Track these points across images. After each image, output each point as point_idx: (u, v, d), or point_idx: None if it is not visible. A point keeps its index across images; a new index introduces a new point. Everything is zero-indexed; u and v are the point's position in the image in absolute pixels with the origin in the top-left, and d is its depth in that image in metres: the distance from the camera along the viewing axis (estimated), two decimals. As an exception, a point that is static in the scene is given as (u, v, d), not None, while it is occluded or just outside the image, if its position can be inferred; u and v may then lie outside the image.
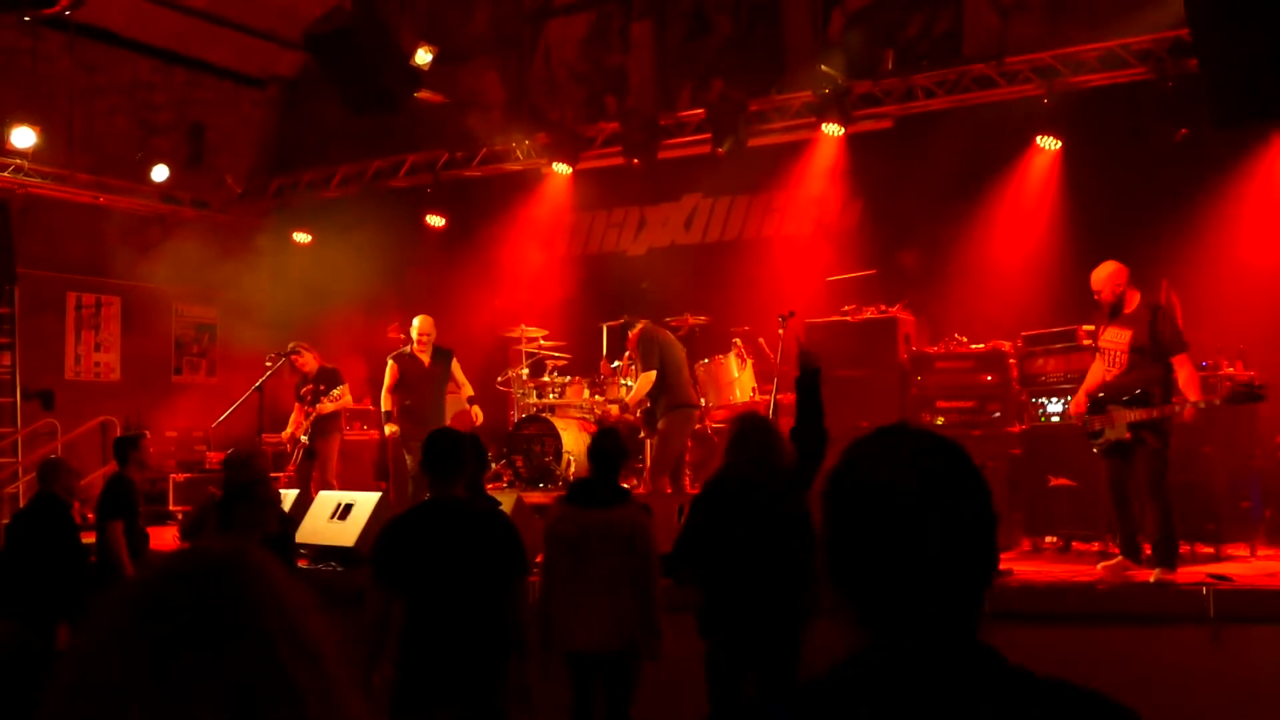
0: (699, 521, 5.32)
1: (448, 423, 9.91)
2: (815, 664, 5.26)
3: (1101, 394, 7.41)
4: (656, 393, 9.67)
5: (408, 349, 10.35)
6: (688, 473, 10.35)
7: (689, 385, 9.87)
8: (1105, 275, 7.45)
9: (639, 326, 9.81)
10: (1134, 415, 7.15)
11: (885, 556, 1.43)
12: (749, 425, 5.48)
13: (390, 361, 10.29)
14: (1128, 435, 7.18)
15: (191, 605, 1.20)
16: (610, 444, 5.63)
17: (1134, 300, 7.38)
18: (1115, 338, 7.38)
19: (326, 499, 9.45)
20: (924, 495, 1.44)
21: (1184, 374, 7.13)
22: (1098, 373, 7.55)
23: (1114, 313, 7.40)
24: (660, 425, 9.66)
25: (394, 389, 10.24)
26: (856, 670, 1.42)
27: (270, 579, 1.26)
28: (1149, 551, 7.19)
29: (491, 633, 4.75)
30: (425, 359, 10.24)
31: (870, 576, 1.45)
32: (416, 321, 10.33)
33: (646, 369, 9.61)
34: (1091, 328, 7.94)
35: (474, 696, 4.67)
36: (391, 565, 4.73)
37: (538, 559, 6.66)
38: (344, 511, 9.12)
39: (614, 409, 10.40)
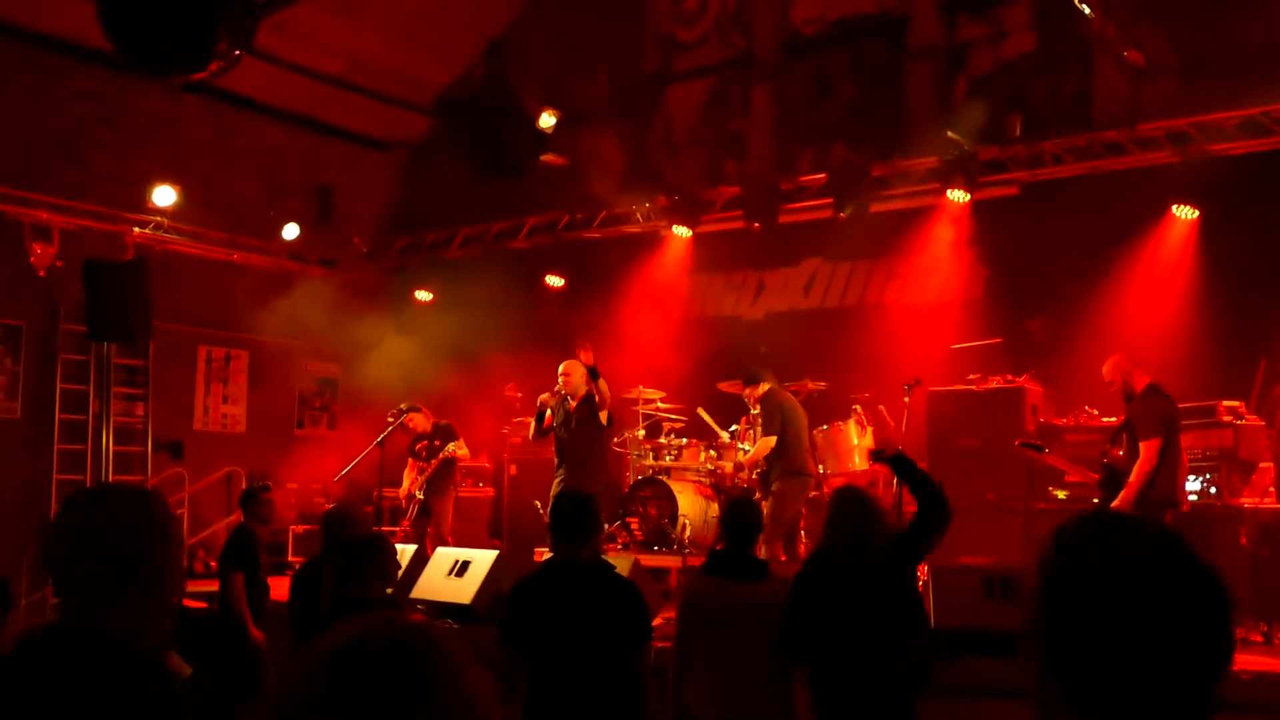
0: (800, 605, 5.14)
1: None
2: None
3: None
4: (774, 457, 9.54)
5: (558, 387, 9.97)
6: (804, 540, 10.19)
7: (807, 453, 9.72)
8: (1106, 366, 8.08)
9: (765, 387, 9.67)
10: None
11: (1128, 650, 1.39)
12: (848, 500, 5.30)
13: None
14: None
15: (386, 682, 1.18)
16: (747, 514, 5.51)
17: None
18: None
19: (444, 555, 9.49)
20: (1170, 588, 1.40)
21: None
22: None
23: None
24: (775, 488, 9.51)
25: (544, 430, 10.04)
26: None
27: (459, 661, 1.23)
28: None
29: (615, 699, 4.69)
30: (571, 403, 9.90)
31: (1109, 670, 1.39)
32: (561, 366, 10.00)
33: (768, 433, 9.50)
34: (1233, 403, 7.77)
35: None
36: (519, 627, 4.71)
37: (655, 622, 6.60)
38: (461, 569, 9.14)
39: (728, 466, 10.28)
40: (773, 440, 9.43)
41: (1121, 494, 7.46)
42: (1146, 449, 7.49)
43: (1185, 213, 9.92)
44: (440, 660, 1.22)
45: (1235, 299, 9.40)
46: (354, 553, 5.40)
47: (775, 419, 9.48)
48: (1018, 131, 10.93)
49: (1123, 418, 9.19)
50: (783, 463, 9.47)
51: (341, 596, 5.07)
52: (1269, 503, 8.40)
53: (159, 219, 12.74)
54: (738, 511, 5.53)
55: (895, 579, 5.07)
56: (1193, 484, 8.48)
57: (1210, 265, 9.84)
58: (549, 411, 9.89)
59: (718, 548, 5.92)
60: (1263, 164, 9.58)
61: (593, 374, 9.78)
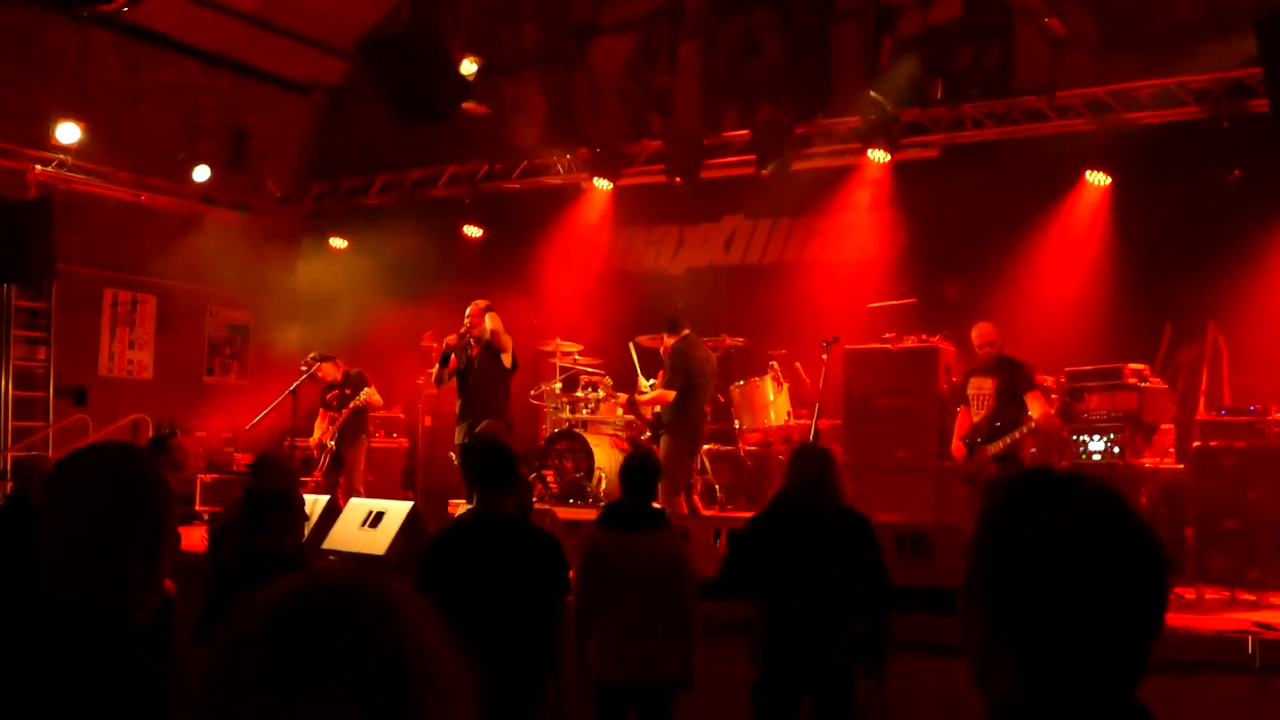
0: (757, 546, 5.26)
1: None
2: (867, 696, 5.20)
3: (970, 438, 8.42)
4: (670, 410, 9.39)
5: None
6: (720, 495, 10.26)
7: (703, 416, 9.61)
8: (987, 330, 8.63)
9: (678, 338, 9.52)
10: (995, 449, 8.22)
11: (1074, 609, 1.40)
12: (805, 454, 5.47)
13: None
14: (993, 468, 8.12)
15: (332, 627, 1.14)
16: (645, 463, 5.51)
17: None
18: (982, 385, 8.50)
19: (358, 506, 9.40)
20: (1115, 549, 1.42)
21: (1036, 404, 8.25)
22: (965, 420, 8.60)
23: (986, 363, 8.53)
24: (663, 441, 9.38)
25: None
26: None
27: (413, 611, 1.20)
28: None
29: (531, 653, 4.69)
30: (474, 347, 9.69)
31: (1048, 625, 1.41)
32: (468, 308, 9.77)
33: (670, 386, 9.37)
34: (1139, 366, 8.00)
35: (511, 716, 4.60)
36: (435, 578, 4.67)
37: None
38: (375, 520, 9.07)
39: (622, 397, 10.20)
40: (670, 395, 9.33)
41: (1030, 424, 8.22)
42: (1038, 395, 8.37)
43: (1098, 179, 10.12)
44: (390, 607, 1.19)
45: (1143, 265, 9.63)
46: (260, 505, 5.30)
47: (679, 375, 9.34)
48: (939, 94, 11.04)
49: (1041, 379, 9.47)
50: (676, 419, 9.37)
51: (248, 549, 4.97)
52: (1169, 463, 8.66)
53: (63, 157, 12.32)
54: (635, 462, 5.54)
55: (851, 537, 5.22)
56: (1097, 444, 8.69)
57: (1121, 231, 10.07)
58: (453, 355, 9.70)
59: (613, 501, 5.94)
60: (1174, 134, 9.81)
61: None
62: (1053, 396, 8.92)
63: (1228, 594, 7.67)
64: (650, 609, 5.19)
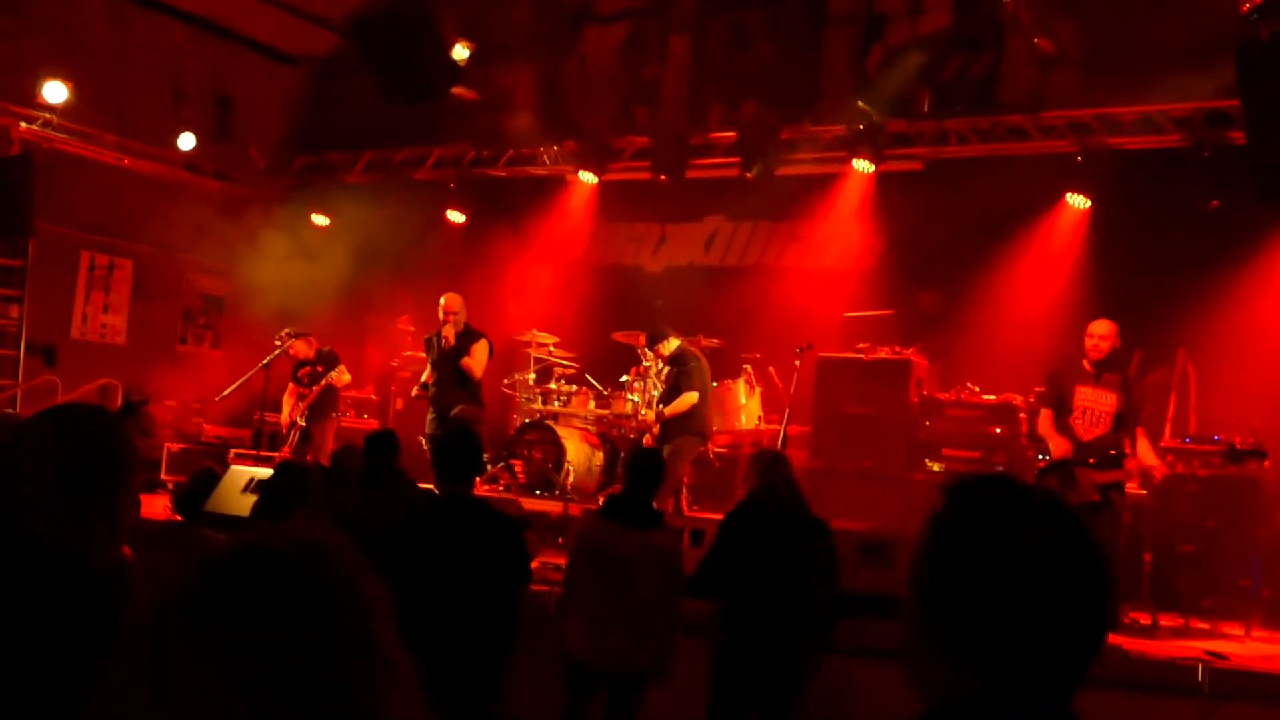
0: (730, 545, 5.33)
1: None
2: (817, 701, 5.27)
3: (1065, 457, 7.41)
4: (684, 413, 9.49)
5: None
6: (686, 495, 10.30)
7: (709, 415, 9.70)
8: (1113, 330, 7.53)
9: (674, 343, 9.57)
10: (1108, 477, 7.23)
11: (1015, 616, 1.42)
12: (774, 457, 5.65)
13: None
14: (1095, 497, 7.18)
15: (265, 584, 1.17)
16: (651, 463, 5.62)
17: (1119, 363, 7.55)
18: (1100, 400, 7.47)
19: (239, 473, 9.26)
20: (1062, 560, 1.44)
21: (1144, 444, 7.36)
22: (1062, 434, 7.56)
23: (1099, 371, 7.48)
24: (675, 444, 9.43)
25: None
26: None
27: (350, 574, 1.22)
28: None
29: (488, 636, 4.73)
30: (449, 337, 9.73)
31: (993, 634, 1.43)
32: (443, 299, 9.83)
33: (690, 388, 9.37)
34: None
35: (469, 701, 4.64)
36: (397, 563, 4.68)
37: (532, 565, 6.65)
38: (256, 486, 8.96)
39: (650, 415, 10.01)
40: (694, 397, 9.35)
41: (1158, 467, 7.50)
42: (1144, 433, 7.56)
43: (1078, 201, 10.20)
44: (327, 568, 1.21)
45: (1117, 289, 9.69)
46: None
47: (697, 376, 9.42)
48: (925, 107, 11.08)
49: (1010, 397, 9.49)
50: (689, 420, 9.43)
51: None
52: (1131, 488, 8.72)
53: (48, 115, 12.22)
54: (642, 459, 5.67)
55: (813, 542, 5.34)
56: (1062, 465, 8.74)
57: (1096, 254, 10.15)
58: (432, 368, 9.81)
59: (614, 492, 6.03)
60: (1154, 160, 9.90)
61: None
62: None
63: (1182, 621, 7.75)
64: (635, 602, 5.28)
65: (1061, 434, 7.58)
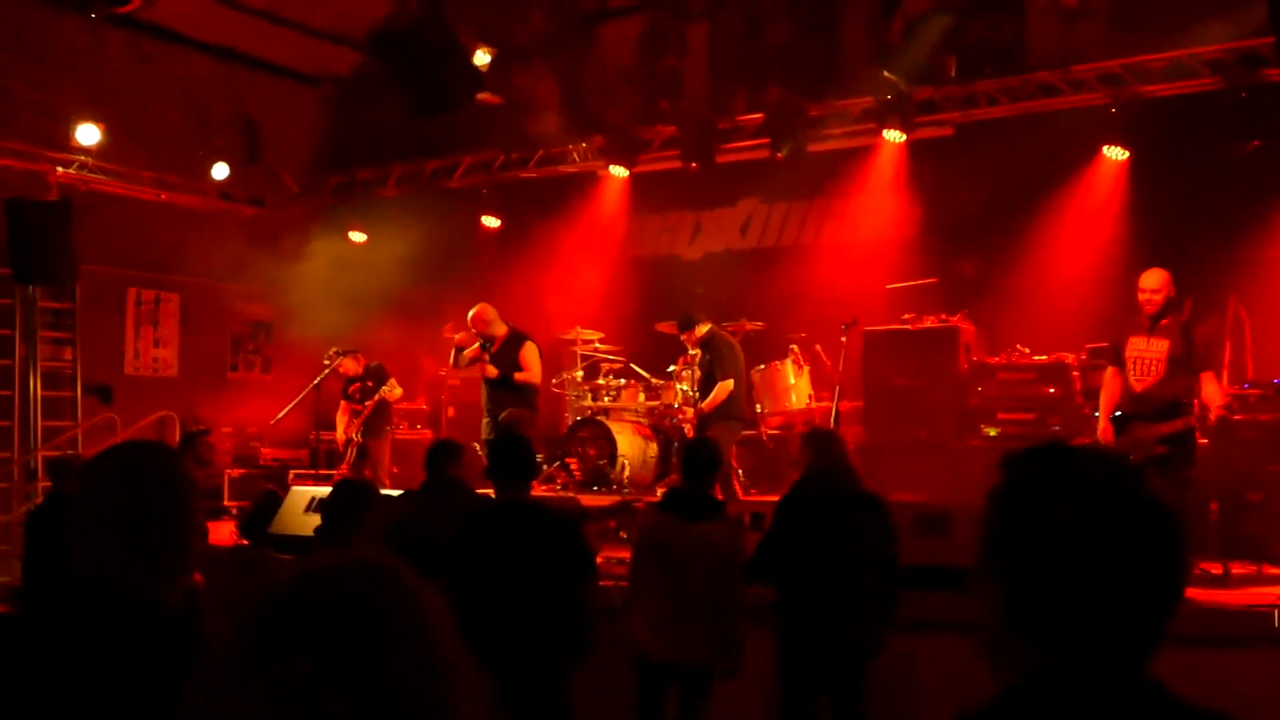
0: (785, 528, 5.34)
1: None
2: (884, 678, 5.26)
3: (1119, 412, 7.23)
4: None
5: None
6: (739, 480, 10.29)
7: (743, 398, 9.73)
8: (1164, 280, 7.24)
9: (705, 328, 9.63)
10: (1167, 428, 6.97)
11: (1082, 584, 1.41)
12: (826, 436, 5.66)
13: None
14: (1160, 450, 6.97)
15: (327, 613, 1.19)
16: (707, 454, 5.63)
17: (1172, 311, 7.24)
18: (1151, 348, 7.20)
19: (300, 494, 9.38)
20: (1132, 525, 1.42)
21: (1210, 387, 7.00)
22: (1115, 389, 7.36)
23: (1154, 322, 7.22)
24: (713, 430, 9.50)
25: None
26: (1037, 698, 1.40)
27: (412, 599, 1.24)
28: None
29: (561, 634, 4.77)
30: (493, 345, 9.86)
31: (1062, 604, 1.42)
32: (470, 313, 9.97)
33: (726, 375, 9.44)
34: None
35: (538, 699, 4.67)
36: (459, 570, 4.72)
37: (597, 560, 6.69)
38: (317, 506, 9.06)
39: (689, 411, 10.05)
40: (730, 383, 9.40)
41: (1220, 409, 6.98)
42: (1214, 376, 7.18)
43: (1116, 154, 10.07)
44: (390, 595, 1.23)
45: (1162, 239, 9.56)
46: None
47: (729, 362, 9.47)
48: (952, 72, 10.98)
49: (1061, 356, 9.35)
50: (724, 405, 9.48)
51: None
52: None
53: (83, 158, 12.41)
54: (697, 451, 5.70)
55: (868, 518, 5.33)
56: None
57: (1138, 205, 10.02)
58: (466, 350, 9.87)
59: (672, 484, 6.06)
60: (1190, 106, 9.74)
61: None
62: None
63: (1254, 568, 7.65)
64: (699, 594, 5.29)
65: (1115, 390, 7.39)
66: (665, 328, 10.91)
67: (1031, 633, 1.44)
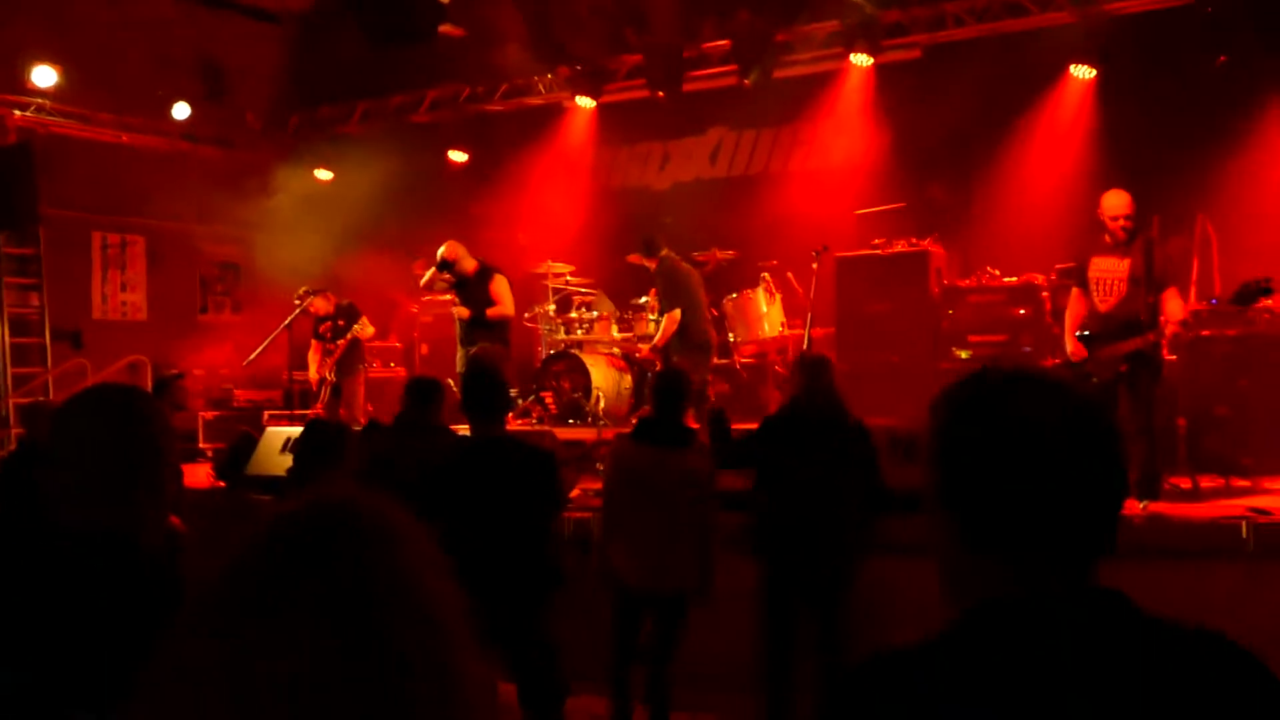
0: (767, 436, 5.46)
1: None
2: (863, 600, 5.34)
3: (1084, 332, 7.27)
4: (676, 330, 9.51)
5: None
6: (712, 402, 10.30)
7: (707, 323, 9.68)
8: (1128, 202, 7.21)
9: (658, 258, 9.54)
10: (1128, 346, 7.01)
11: (1048, 492, 1.43)
12: (817, 361, 5.71)
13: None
14: (1124, 368, 7.02)
15: (307, 554, 1.19)
16: (675, 383, 5.65)
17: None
18: (1114, 268, 7.20)
19: (275, 435, 9.37)
20: (1084, 432, 1.46)
21: (1173, 304, 7.03)
22: (1080, 309, 7.39)
23: (1119, 242, 7.19)
24: (675, 361, 9.47)
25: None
26: (1003, 614, 1.42)
27: (394, 537, 1.24)
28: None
29: (536, 566, 4.82)
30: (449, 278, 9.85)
31: (1027, 513, 1.44)
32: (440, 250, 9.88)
33: (670, 307, 9.46)
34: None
35: (516, 632, 4.73)
36: (434, 505, 4.75)
37: (573, 494, 6.74)
38: (292, 445, 9.06)
39: (644, 347, 10.23)
40: (678, 314, 9.39)
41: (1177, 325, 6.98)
42: (1178, 293, 7.16)
43: (1083, 72, 10.04)
44: (368, 533, 1.23)
45: (1130, 157, 9.55)
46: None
47: (674, 293, 9.43)
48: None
49: (1031, 277, 9.40)
50: (683, 335, 9.45)
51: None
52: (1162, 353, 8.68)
53: (40, 100, 12.20)
54: (668, 381, 5.71)
55: (854, 445, 5.42)
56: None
57: (1106, 124, 10.02)
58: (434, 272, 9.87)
59: (644, 415, 6.10)
60: (1157, 21, 9.70)
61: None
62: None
63: (1223, 481, 7.76)
64: (671, 522, 5.34)
65: (1079, 311, 7.41)
66: (636, 259, 10.86)
67: (984, 545, 1.46)
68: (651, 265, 9.57)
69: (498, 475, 4.79)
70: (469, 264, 9.75)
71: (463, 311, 9.70)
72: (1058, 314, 9.04)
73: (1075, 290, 7.51)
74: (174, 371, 8.62)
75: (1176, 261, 7.62)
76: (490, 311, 9.59)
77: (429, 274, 10.01)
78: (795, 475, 5.34)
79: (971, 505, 1.47)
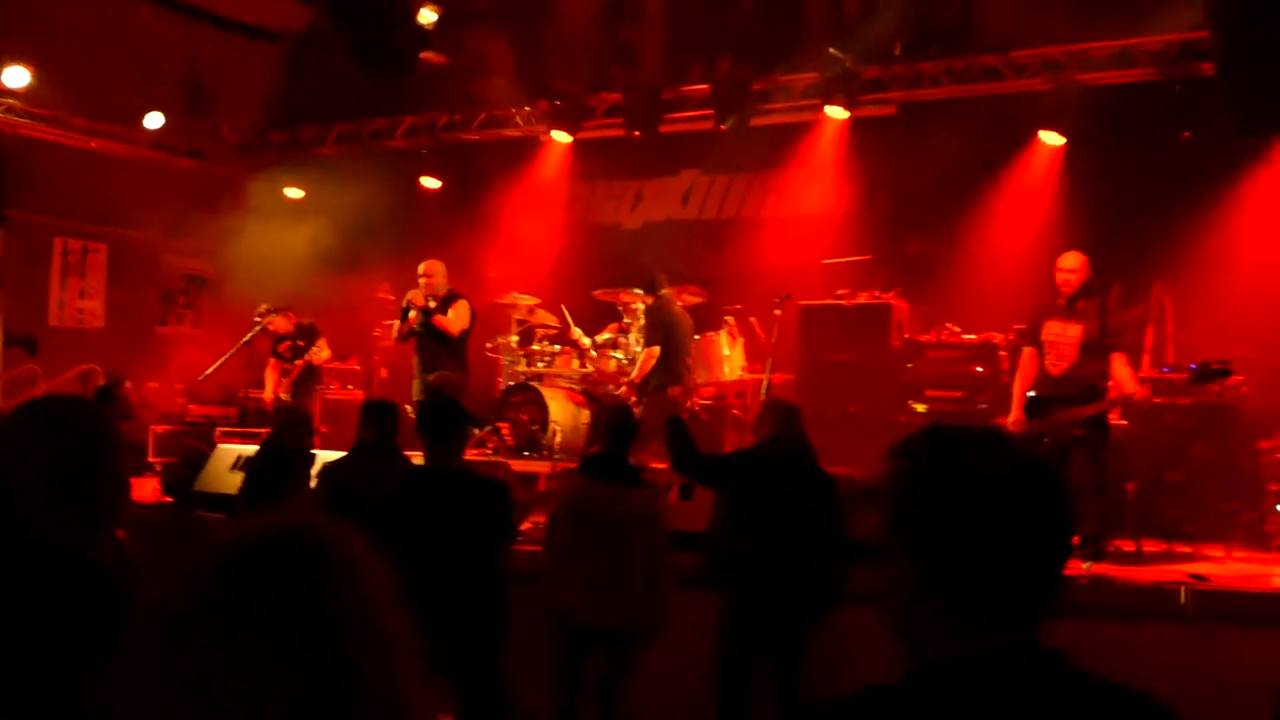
0: (729, 466, 5.51)
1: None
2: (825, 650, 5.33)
3: (1034, 393, 7.32)
4: (655, 367, 9.55)
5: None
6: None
7: (684, 367, 9.70)
8: (1082, 262, 7.35)
9: (655, 295, 9.63)
10: (1085, 412, 7.07)
11: (997, 546, 1.47)
12: (787, 408, 5.75)
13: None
14: (1079, 432, 7.09)
15: (268, 577, 1.19)
16: (627, 421, 5.65)
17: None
18: (1066, 332, 7.29)
19: (227, 451, 9.29)
20: (1034, 490, 1.49)
21: (1122, 370, 7.16)
22: (1030, 370, 7.45)
23: (1071, 304, 7.30)
24: (650, 399, 9.54)
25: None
26: (949, 674, 1.45)
27: (353, 565, 1.25)
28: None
29: (486, 598, 4.79)
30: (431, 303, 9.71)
31: (976, 567, 1.47)
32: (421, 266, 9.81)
33: (650, 343, 9.49)
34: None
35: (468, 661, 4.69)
36: (388, 534, 4.72)
37: (524, 527, 6.71)
38: (243, 464, 8.99)
39: (624, 389, 10.05)
40: (656, 351, 9.43)
41: (1140, 393, 7.19)
42: (1126, 358, 7.35)
43: (1052, 139, 10.20)
44: (325, 558, 1.23)
45: (1093, 225, 9.69)
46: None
47: (658, 331, 9.48)
48: (898, 51, 11.03)
49: (990, 336, 9.50)
50: (661, 374, 9.50)
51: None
52: (1114, 419, 8.78)
53: (11, 101, 12.10)
54: (618, 418, 5.68)
55: (820, 492, 5.42)
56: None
57: (1072, 191, 10.17)
58: (413, 311, 9.72)
59: (593, 451, 6.07)
60: (1127, 95, 9.88)
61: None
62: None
63: (1165, 547, 7.84)
64: (622, 559, 5.31)
65: (1030, 372, 7.48)
66: (603, 295, 10.90)
67: (934, 596, 1.50)
68: (647, 301, 9.63)
69: (451, 506, 4.77)
70: (442, 283, 9.69)
71: (417, 298, 9.57)
72: (1014, 374, 9.12)
73: (1028, 350, 7.59)
74: (116, 380, 8.50)
75: (1130, 329, 7.77)
76: (437, 319, 9.52)
77: (397, 326, 9.96)
78: (760, 508, 5.32)
79: (922, 557, 1.51)
